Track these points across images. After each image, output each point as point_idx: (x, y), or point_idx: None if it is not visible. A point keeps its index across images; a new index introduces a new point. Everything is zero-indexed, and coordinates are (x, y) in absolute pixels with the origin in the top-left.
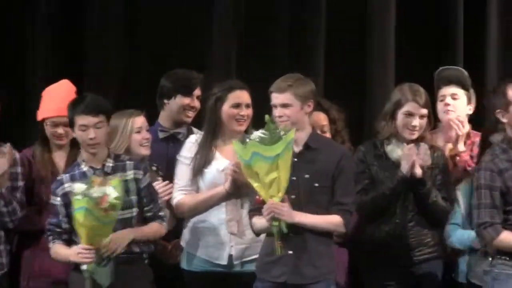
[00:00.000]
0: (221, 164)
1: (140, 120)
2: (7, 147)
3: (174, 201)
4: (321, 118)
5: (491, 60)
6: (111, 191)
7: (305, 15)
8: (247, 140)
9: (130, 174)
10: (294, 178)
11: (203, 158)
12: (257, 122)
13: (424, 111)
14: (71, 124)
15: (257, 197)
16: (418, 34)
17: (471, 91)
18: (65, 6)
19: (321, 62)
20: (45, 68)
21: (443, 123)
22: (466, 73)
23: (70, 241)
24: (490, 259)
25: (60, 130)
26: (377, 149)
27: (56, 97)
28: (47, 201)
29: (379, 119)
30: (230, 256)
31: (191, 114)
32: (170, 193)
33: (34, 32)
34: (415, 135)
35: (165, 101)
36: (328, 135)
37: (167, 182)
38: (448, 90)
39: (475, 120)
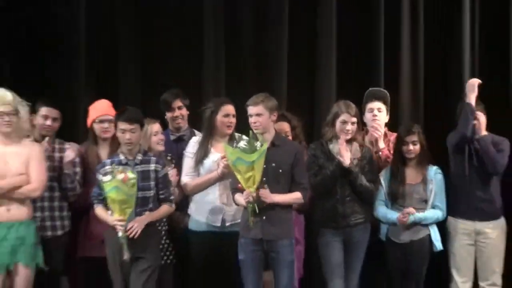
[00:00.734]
0: (215, 156)
1: (156, 126)
2: (71, 144)
3: (182, 183)
4: (285, 126)
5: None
6: (129, 174)
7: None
8: (235, 147)
9: (152, 166)
10: (264, 166)
11: (202, 152)
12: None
13: (354, 119)
14: (115, 126)
15: (239, 185)
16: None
17: (388, 105)
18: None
19: (285, 82)
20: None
21: (370, 128)
22: (387, 92)
23: (107, 206)
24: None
25: (106, 125)
26: (323, 146)
27: (100, 106)
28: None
29: (323, 126)
30: (223, 220)
31: (180, 120)
32: (177, 175)
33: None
34: (349, 137)
35: (165, 116)
36: (290, 138)
37: (176, 167)
38: (375, 105)
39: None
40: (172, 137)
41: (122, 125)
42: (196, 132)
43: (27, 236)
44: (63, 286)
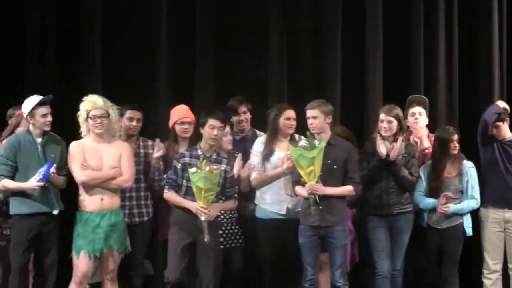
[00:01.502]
0: (279, 154)
1: (226, 128)
2: (157, 141)
3: (251, 178)
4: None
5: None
6: (214, 166)
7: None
8: (298, 145)
9: (223, 166)
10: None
11: (268, 150)
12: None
13: (390, 119)
14: (203, 124)
15: (302, 179)
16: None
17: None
18: None
19: (338, 88)
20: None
21: (413, 130)
22: (426, 98)
23: (177, 192)
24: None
25: (186, 126)
26: (372, 144)
27: (181, 109)
28: None
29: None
30: (288, 208)
31: (244, 123)
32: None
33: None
34: (386, 134)
35: (231, 119)
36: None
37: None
38: (416, 109)
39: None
40: (237, 137)
41: (213, 122)
42: (258, 132)
43: (118, 223)
44: (147, 267)
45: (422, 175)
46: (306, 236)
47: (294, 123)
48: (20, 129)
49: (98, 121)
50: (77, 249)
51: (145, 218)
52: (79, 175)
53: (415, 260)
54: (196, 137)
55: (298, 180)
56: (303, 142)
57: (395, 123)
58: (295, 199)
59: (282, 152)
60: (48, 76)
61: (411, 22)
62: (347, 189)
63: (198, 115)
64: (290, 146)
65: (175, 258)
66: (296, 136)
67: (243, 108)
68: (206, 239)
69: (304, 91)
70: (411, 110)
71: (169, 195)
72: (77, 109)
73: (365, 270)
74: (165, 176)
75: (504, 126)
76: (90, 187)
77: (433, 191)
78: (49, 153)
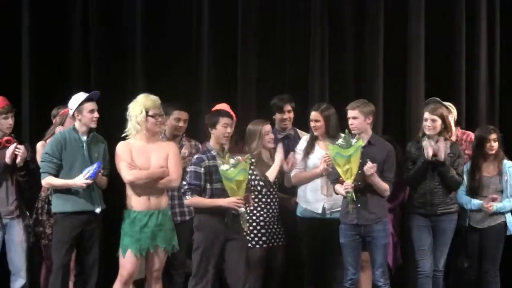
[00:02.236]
0: (319, 153)
1: (268, 127)
2: (191, 141)
3: (291, 175)
4: None
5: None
6: (240, 157)
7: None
8: (335, 143)
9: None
10: (360, 161)
11: (309, 149)
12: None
13: (434, 117)
14: (214, 123)
15: (340, 178)
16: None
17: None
18: None
19: (381, 88)
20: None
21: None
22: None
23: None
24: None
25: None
26: (417, 143)
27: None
28: None
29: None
30: (324, 208)
31: (287, 122)
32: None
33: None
34: (431, 132)
35: (273, 117)
36: None
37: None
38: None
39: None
40: (279, 136)
41: (226, 120)
42: (299, 131)
43: (165, 222)
44: (188, 266)
45: (464, 174)
46: (347, 236)
47: (313, 124)
48: (59, 128)
49: (160, 119)
50: (124, 248)
51: (187, 217)
52: (127, 174)
53: (456, 260)
54: (237, 136)
55: (337, 179)
56: (340, 140)
57: (439, 122)
58: (331, 199)
59: (322, 151)
60: (91, 77)
61: (453, 21)
62: (385, 186)
63: (239, 114)
64: (328, 144)
65: (209, 257)
66: (342, 135)
67: (288, 107)
68: (246, 228)
69: (346, 90)
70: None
71: (193, 200)
72: (119, 110)
73: (406, 270)
74: (184, 182)
75: None
76: (137, 187)
77: (472, 190)
78: (93, 152)
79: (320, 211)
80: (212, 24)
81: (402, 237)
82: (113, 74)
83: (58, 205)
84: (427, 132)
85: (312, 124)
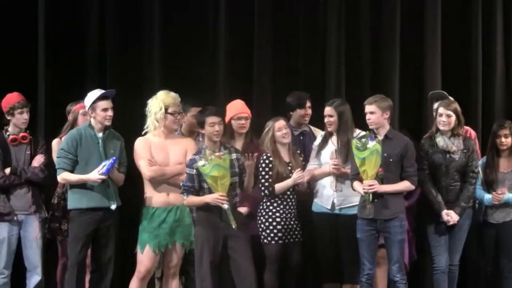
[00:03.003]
0: (332, 148)
1: (281, 123)
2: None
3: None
4: None
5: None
6: (220, 152)
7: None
8: (354, 145)
9: (233, 156)
10: (385, 155)
11: (322, 144)
12: None
13: (449, 112)
14: (202, 123)
15: (359, 174)
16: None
17: None
18: None
19: (397, 83)
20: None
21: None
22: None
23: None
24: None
25: (242, 121)
26: (431, 140)
27: (236, 105)
28: None
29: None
30: (333, 203)
31: (307, 118)
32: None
33: None
34: (445, 128)
35: (290, 113)
36: None
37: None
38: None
39: None
40: (295, 133)
41: (213, 119)
42: (313, 128)
43: (183, 218)
44: None
45: (480, 169)
46: (363, 231)
47: (327, 119)
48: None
49: (178, 117)
50: (142, 244)
51: None
52: (147, 170)
53: (472, 255)
54: (252, 133)
55: (357, 174)
56: (358, 141)
57: (453, 117)
58: (341, 194)
59: (333, 146)
60: (107, 73)
61: (470, 15)
62: (404, 184)
63: (255, 111)
64: (354, 140)
65: (207, 253)
66: (357, 131)
67: (308, 103)
68: (233, 226)
69: (362, 86)
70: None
71: (188, 200)
72: (136, 106)
73: (423, 266)
74: (181, 184)
75: None
76: (156, 183)
77: (488, 185)
78: (109, 148)
79: (329, 206)
80: (229, 19)
81: (418, 233)
82: (129, 69)
83: (74, 201)
84: (441, 128)
85: (326, 119)
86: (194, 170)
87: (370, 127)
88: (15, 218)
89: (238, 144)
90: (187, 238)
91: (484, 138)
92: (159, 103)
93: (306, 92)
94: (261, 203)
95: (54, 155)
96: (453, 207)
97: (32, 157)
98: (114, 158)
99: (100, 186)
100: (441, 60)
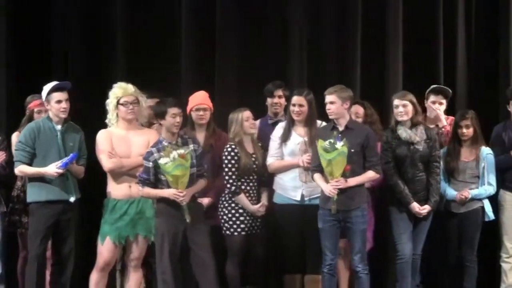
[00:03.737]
0: (296, 139)
1: (247, 113)
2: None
3: (268, 163)
4: (359, 110)
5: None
6: (183, 150)
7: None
8: (323, 144)
9: (191, 146)
10: (353, 150)
11: (285, 136)
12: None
13: (405, 102)
14: (162, 114)
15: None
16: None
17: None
18: None
19: (357, 74)
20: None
21: (432, 115)
22: (449, 89)
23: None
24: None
25: (201, 113)
26: (393, 133)
27: (198, 96)
28: None
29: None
30: (302, 195)
31: (278, 107)
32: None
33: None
34: (403, 118)
35: (266, 103)
36: (360, 119)
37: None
38: (437, 98)
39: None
40: (270, 121)
41: (174, 110)
42: None
43: (145, 210)
44: None
45: (441, 157)
46: (325, 221)
47: (297, 109)
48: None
49: (130, 107)
50: (103, 236)
51: None
52: (107, 163)
53: (435, 244)
54: (214, 124)
55: (318, 165)
56: (326, 142)
57: (410, 106)
58: (310, 185)
59: (299, 138)
60: (68, 66)
61: (431, 8)
62: (368, 175)
63: (220, 102)
64: (320, 140)
65: (166, 244)
66: (318, 122)
67: (279, 92)
68: (188, 220)
69: (325, 78)
70: (432, 98)
71: (144, 191)
72: (102, 99)
73: (386, 255)
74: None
75: None
76: (118, 175)
77: (449, 173)
78: (68, 141)
79: (298, 198)
80: (192, 11)
81: (381, 222)
82: (93, 63)
83: (33, 194)
84: (399, 119)
85: (296, 108)
86: (151, 163)
87: (330, 117)
88: None
89: (200, 135)
90: (150, 231)
91: None
92: (112, 95)
93: (281, 82)
94: (223, 195)
95: (14, 148)
96: (419, 198)
97: None
98: (74, 153)
99: (59, 179)
100: (402, 52)
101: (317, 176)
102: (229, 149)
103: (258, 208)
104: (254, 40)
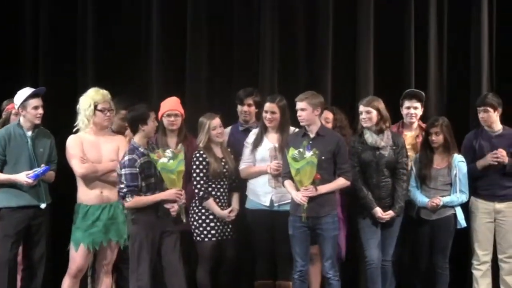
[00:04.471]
0: (267, 145)
1: (215, 121)
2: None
3: (240, 168)
4: (328, 115)
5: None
6: (170, 149)
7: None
8: (292, 154)
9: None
10: (323, 158)
11: (257, 141)
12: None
13: (368, 109)
14: (147, 119)
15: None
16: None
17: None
18: None
19: (329, 81)
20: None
21: (407, 121)
22: (423, 93)
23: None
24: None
25: (172, 118)
26: (360, 138)
27: (169, 102)
28: None
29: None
30: (271, 201)
31: (247, 116)
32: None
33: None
34: (367, 124)
35: (237, 109)
36: (330, 125)
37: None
38: (411, 103)
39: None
40: (241, 128)
41: (154, 115)
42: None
43: (117, 215)
44: None
45: (412, 165)
46: (295, 228)
47: (269, 116)
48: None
49: (108, 114)
50: (76, 242)
51: None
52: (79, 168)
53: (408, 251)
54: (186, 130)
55: (288, 172)
56: (296, 151)
57: (374, 113)
58: (279, 191)
59: (270, 144)
60: (39, 71)
61: (403, 16)
62: (338, 183)
63: (190, 108)
64: (291, 148)
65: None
66: (291, 128)
67: (249, 101)
68: (184, 220)
69: (296, 85)
70: (406, 104)
71: (135, 200)
72: (68, 104)
73: (357, 262)
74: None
75: (495, 117)
76: (89, 180)
77: (421, 180)
78: (39, 147)
79: (268, 203)
80: (162, 15)
81: (350, 227)
82: (63, 68)
83: (3, 199)
84: (364, 125)
85: (268, 115)
86: (137, 169)
87: (301, 124)
88: None
89: (172, 141)
90: (121, 236)
91: None
92: (89, 100)
93: (253, 90)
94: (194, 200)
95: None
96: (384, 204)
97: None
98: (46, 167)
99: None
100: (374, 59)
101: (287, 182)
102: (197, 155)
103: (228, 213)
104: (224, 46)
